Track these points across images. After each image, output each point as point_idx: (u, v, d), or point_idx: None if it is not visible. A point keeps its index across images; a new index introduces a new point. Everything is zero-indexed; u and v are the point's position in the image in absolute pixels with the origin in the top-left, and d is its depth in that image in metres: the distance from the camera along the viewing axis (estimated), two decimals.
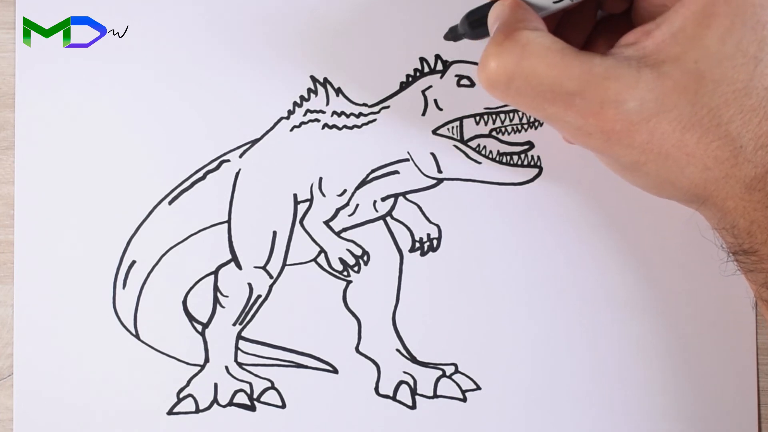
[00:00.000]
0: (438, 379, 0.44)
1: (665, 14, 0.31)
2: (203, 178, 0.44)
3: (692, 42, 0.30)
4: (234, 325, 0.44)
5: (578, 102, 0.31)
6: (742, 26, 0.29)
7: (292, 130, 0.45)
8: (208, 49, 0.45)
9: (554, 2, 0.34)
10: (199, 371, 0.44)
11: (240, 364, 0.44)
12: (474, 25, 0.38)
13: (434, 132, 0.44)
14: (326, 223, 0.44)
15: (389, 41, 0.45)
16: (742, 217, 0.32)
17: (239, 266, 0.44)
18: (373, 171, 0.44)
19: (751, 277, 0.34)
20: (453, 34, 0.40)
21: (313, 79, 0.45)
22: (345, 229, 0.44)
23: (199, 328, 0.44)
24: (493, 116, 0.44)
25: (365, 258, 0.44)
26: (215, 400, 0.44)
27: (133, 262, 0.44)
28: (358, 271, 0.44)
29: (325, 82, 0.45)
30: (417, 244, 0.44)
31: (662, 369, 0.43)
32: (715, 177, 0.31)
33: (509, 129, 0.44)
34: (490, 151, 0.44)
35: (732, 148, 0.31)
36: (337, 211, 0.44)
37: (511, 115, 0.44)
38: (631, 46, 0.31)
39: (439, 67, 0.45)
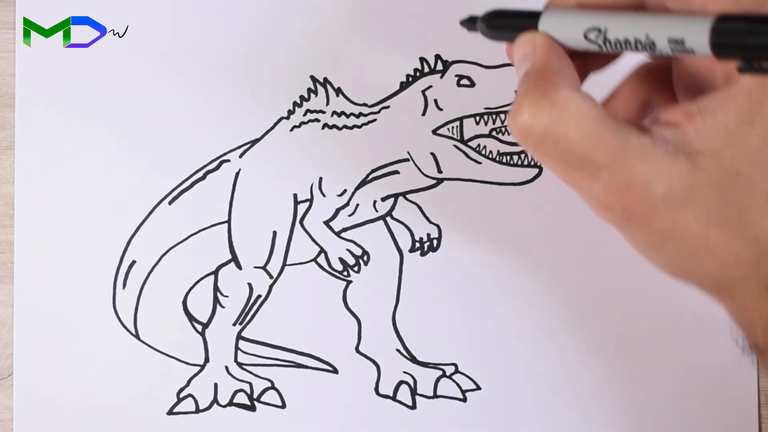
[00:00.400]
0: (438, 379, 0.44)
1: (711, 100, 0.29)
2: (203, 178, 0.44)
3: (733, 138, 0.29)
4: (234, 325, 0.44)
5: (605, 176, 0.30)
6: None
7: (292, 130, 0.45)
8: (208, 48, 0.45)
9: (586, 41, 0.32)
10: (199, 371, 0.44)
11: (240, 364, 0.44)
12: (493, 32, 0.35)
13: (434, 132, 0.44)
14: (326, 223, 0.44)
15: (389, 41, 0.45)
16: (760, 316, 0.31)
17: (239, 266, 0.44)
18: (373, 171, 0.44)
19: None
20: (470, 25, 0.36)
21: (313, 79, 0.45)
22: (345, 229, 0.44)
23: (199, 328, 0.44)
24: (493, 116, 0.44)
25: (365, 258, 0.44)
26: (215, 400, 0.44)
27: (133, 262, 0.44)
28: (358, 271, 0.44)
29: (325, 82, 0.45)
30: (417, 244, 0.44)
31: (662, 369, 0.43)
32: (734, 274, 0.30)
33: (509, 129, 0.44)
34: (490, 151, 0.44)
35: (756, 250, 0.30)
36: (337, 211, 0.44)
37: None
38: (670, 127, 0.30)
39: (439, 67, 0.45)
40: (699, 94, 0.31)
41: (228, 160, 0.44)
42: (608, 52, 0.32)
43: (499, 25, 0.35)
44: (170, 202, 0.44)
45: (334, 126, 0.44)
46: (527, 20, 0.33)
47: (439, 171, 0.44)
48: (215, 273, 0.44)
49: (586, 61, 0.35)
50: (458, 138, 0.44)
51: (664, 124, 0.30)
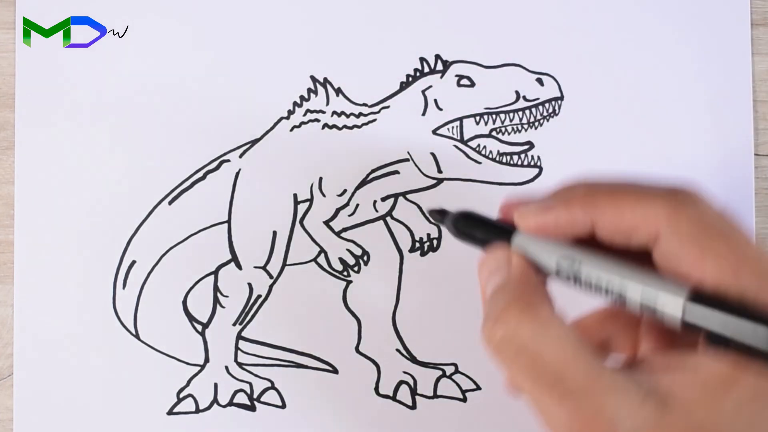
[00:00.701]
0: (438, 379, 0.44)
1: (693, 359, 0.29)
2: (203, 178, 0.44)
3: (709, 397, 0.29)
4: (234, 325, 0.44)
5: (573, 403, 0.30)
6: (764, 402, 0.28)
7: (292, 130, 0.45)
8: (207, 49, 0.45)
9: (557, 273, 0.32)
10: (199, 371, 0.44)
11: (240, 364, 0.44)
12: (461, 235, 0.35)
13: (434, 132, 0.44)
14: (326, 223, 0.44)
15: (389, 41, 0.45)
16: None
17: (239, 266, 0.44)
18: (373, 171, 0.44)
19: None
20: (438, 217, 0.35)
21: (313, 79, 0.45)
22: (345, 229, 0.44)
23: (199, 328, 0.44)
24: (493, 116, 0.44)
25: (365, 258, 0.44)
26: (215, 400, 0.44)
27: (133, 262, 0.44)
28: (358, 271, 0.44)
29: (325, 82, 0.45)
30: (417, 244, 0.44)
31: None
32: None
33: (509, 129, 0.44)
34: (490, 151, 0.44)
35: None
36: (337, 211, 0.44)
37: (511, 115, 0.44)
38: (646, 372, 0.30)
39: (439, 67, 0.45)
40: (672, 342, 0.31)
41: (228, 160, 0.44)
42: (576, 287, 0.32)
43: (468, 230, 0.34)
44: (170, 202, 0.44)
45: (334, 126, 0.45)
46: (499, 233, 0.33)
47: (439, 171, 0.44)
48: (215, 273, 0.44)
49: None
50: (458, 138, 0.44)
51: (640, 366, 0.30)
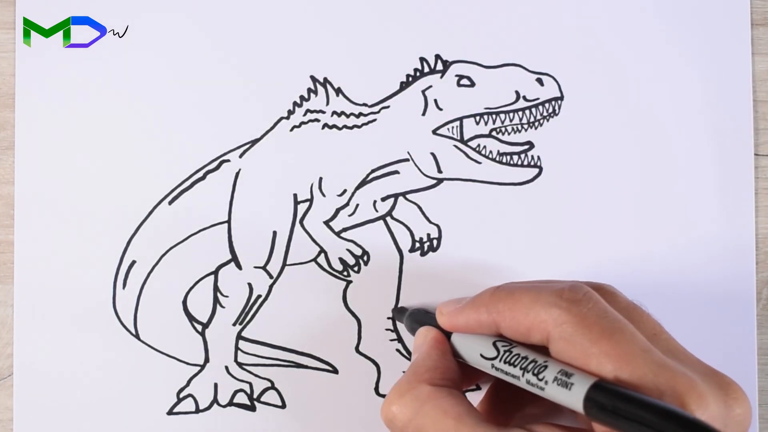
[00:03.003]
0: None
1: None
2: (203, 178, 0.44)
3: None
4: (234, 325, 0.44)
5: None
6: None
7: (292, 130, 0.45)
8: (207, 49, 0.45)
9: (483, 361, 0.35)
10: (199, 371, 0.44)
11: (240, 364, 0.44)
12: (410, 326, 0.40)
13: (434, 132, 0.44)
14: (326, 223, 0.44)
15: (389, 41, 0.45)
16: None
17: (239, 266, 0.44)
18: (373, 171, 0.44)
19: None
20: (398, 315, 0.43)
21: (313, 79, 0.45)
22: (345, 229, 0.44)
23: (199, 328, 0.44)
24: (493, 116, 0.44)
25: (365, 258, 0.44)
26: (215, 400, 0.44)
27: (133, 262, 0.44)
28: (358, 271, 0.44)
29: (325, 82, 0.45)
30: (417, 244, 0.44)
31: None
32: None
33: (509, 129, 0.44)
34: (490, 151, 0.44)
35: None
36: (337, 211, 0.44)
37: (511, 115, 0.44)
38: None
39: (439, 67, 0.45)
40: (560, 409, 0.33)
41: (228, 160, 0.44)
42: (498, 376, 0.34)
43: (416, 323, 0.39)
44: (170, 202, 0.44)
45: (334, 126, 0.45)
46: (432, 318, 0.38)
47: (439, 171, 0.44)
48: (215, 273, 0.44)
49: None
50: (458, 138, 0.44)
51: (528, 429, 0.31)
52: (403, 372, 0.38)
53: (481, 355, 0.34)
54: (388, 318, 0.44)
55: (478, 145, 0.44)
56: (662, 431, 0.27)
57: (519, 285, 0.35)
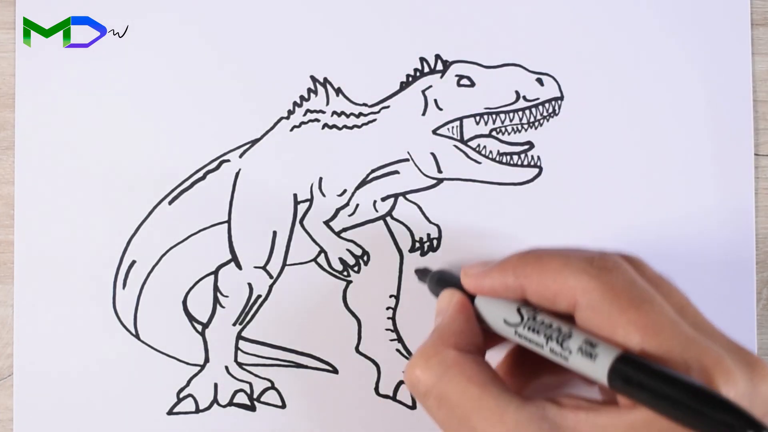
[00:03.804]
0: None
1: (603, 410, 0.30)
2: (203, 178, 0.44)
3: None
4: (234, 325, 0.44)
5: None
6: None
7: (292, 130, 0.45)
8: (207, 49, 0.45)
9: (506, 326, 0.34)
10: (199, 371, 0.44)
11: (240, 364, 0.44)
12: (432, 288, 0.39)
13: (434, 132, 0.44)
14: (326, 223, 0.44)
15: (389, 41, 0.45)
16: None
17: (239, 266, 0.44)
18: (373, 171, 0.44)
19: None
20: (421, 275, 0.41)
21: (313, 79, 0.45)
22: (345, 229, 0.44)
23: (199, 328, 0.44)
24: (493, 116, 0.44)
25: (365, 258, 0.44)
26: (215, 400, 0.44)
27: (133, 262, 0.44)
28: (358, 271, 0.44)
29: (325, 82, 0.45)
30: (417, 244, 0.44)
31: None
32: None
33: (509, 129, 0.44)
34: (490, 151, 0.44)
35: None
36: (337, 211, 0.44)
37: (511, 115, 0.44)
38: (555, 407, 0.31)
39: (439, 67, 0.45)
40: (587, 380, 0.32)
41: (228, 160, 0.44)
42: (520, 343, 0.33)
43: (437, 282, 0.39)
44: (170, 202, 0.44)
45: (334, 126, 0.45)
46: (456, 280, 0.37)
47: (439, 171, 0.44)
48: (215, 273, 0.44)
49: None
50: (458, 138, 0.44)
51: (552, 402, 0.31)
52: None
53: (505, 321, 0.34)
54: (388, 318, 0.44)
55: (478, 145, 0.44)
56: (688, 408, 0.26)
57: (548, 250, 0.34)
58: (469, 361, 0.32)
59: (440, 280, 0.39)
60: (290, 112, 0.45)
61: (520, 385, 0.36)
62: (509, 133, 0.44)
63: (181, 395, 0.44)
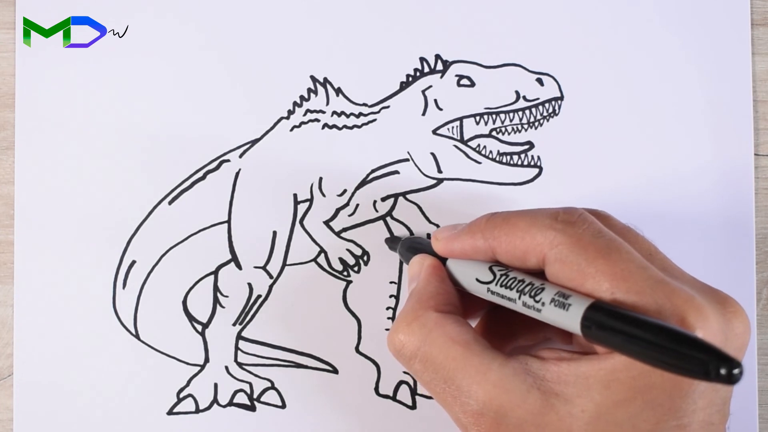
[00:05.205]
0: None
1: (583, 360, 0.30)
2: (203, 178, 0.44)
3: (588, 394, 0.30)
4: (234, 325, 0.44)
5: (464, 399, 0.32)
6: (642, 403, 0.29)
7: (292, 130, 0.45)
8: (208, 49, 0.45)
9: (478, 285, 0.34)
10: (199, 371, 0.44)
11: (240, 364, 0.44)
12: (404, 255, 0.40)
13: (434, 132, 0.44)
14: (326, 223, 0.44)
15: (389, 41, 0.45)
16: None
17: (239, 266, 0.44)
18: (373, 171, 0.44)
19: None
20: (391, 244, 0.43)
21: (313, 79, 0.45)
22: (345, 229, 0.44)
23: (199, 328, 0.44)
24: (493, 116, 0.44)
25: (365, 258, 0.44)
26: (215, 400, 0.44)
27: (133, 262, 0.44)
28: (358, 271, 0.44)
29: (325, 82, 0.45)
30: None
31: None
32: None
33: (509, 129, 0.44)
34: (490, 151, 0.44)
35: None
36: (337, 211, 0.44)
37: (511, 115, 0.44)
38: (538, 360, 0.31)
39: (439, 67, 0.45)
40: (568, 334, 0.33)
41: (228, 160, 0.44)
42: (494, 301, 0.34)
43: (411, 247, 0.40)
44: (170, 202, 0.44)
45: (334, 126, 0.45)
46: (427, 246, 0.38)
47: (439, 171, 0.44)
48: (215, 273, 0.44)
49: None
50: (458, 138, 0.44)
51: (532, 357, 0.32)
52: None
53: (477, 280, 0.34)
54: (388, 318, 0.44)
55: (478, 145, 0.44)
56: (661, 350, 0.26)
57: (514, 211, 0.34)
58: (450, 321, 0.33)
59: (411, 247, 0.39)
60: (290, 112, 0.45)
61: (496, 348, 0.36)
62: (509, 133, 0.44)
63: (181, 395, 0.44)
